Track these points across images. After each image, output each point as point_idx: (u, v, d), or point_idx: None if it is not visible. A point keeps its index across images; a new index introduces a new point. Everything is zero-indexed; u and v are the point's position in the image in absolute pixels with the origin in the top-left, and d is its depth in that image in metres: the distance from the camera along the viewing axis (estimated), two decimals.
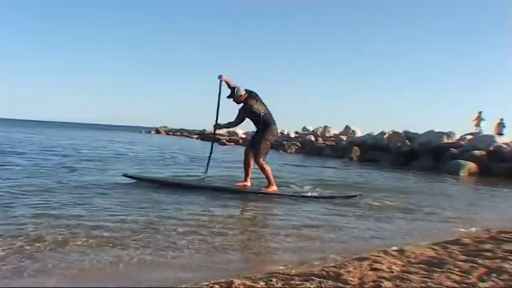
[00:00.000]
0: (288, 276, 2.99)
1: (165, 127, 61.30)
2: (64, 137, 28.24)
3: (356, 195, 7.42)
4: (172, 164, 12.61)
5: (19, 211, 4.90)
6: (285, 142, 25.43)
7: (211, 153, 7.91)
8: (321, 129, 27.04)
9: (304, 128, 29.01)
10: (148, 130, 62.27)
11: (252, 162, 7.37)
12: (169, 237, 4.20)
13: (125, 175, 7.62)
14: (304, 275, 3.00)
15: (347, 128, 25.65)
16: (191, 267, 3.44)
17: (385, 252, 3.75)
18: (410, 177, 12.69)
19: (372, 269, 3.18)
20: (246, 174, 7.44)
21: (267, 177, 7.35)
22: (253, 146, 7.42)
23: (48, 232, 4.07)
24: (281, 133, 29.48)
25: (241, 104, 7.42)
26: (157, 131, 57.96)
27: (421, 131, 19.42)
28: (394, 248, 3.98)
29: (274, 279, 2.91)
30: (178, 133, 52.68)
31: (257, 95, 7.43)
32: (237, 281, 2.88)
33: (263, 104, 7.41)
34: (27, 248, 3.60)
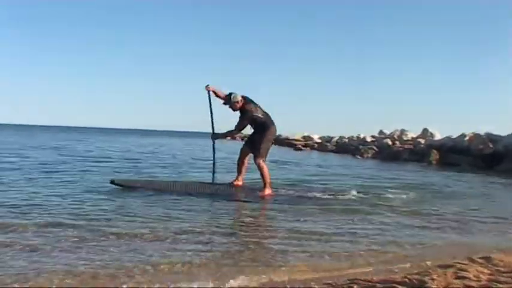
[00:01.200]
0: (369, 283, 2.98)
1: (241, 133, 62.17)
2: (157, 144, 29.02)
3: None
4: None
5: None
6: (361, 146, 24.93)
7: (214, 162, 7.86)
8: (397, 133, 26.19)
9: (380, 132, 28.27)
10: None
11: (246, 161, 7.47)
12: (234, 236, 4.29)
13: (112, 182, 7.25)
14: (386, 282, 2.99)
15: (425, 130, 24.71)
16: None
17: (471, 260, 3.63)
18: (494, 181, 12.02)
19: (458, 277, 3.10)
20: (239, 173, 7.48)
21: (263, 179, 7.18)
22: (253, 147, 7.33)
23: None
24: (357, 137, 29.08)
25: (239, 111, 7.26)
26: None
27: (503, 134, 18.32)
28: (480, 255, 3.82)
29: (355, 286, 2.92)
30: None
31: (252, 100, 7.29)
32: (316, 287, 2.92)
33: (259, 107, 7.30)
34: None
